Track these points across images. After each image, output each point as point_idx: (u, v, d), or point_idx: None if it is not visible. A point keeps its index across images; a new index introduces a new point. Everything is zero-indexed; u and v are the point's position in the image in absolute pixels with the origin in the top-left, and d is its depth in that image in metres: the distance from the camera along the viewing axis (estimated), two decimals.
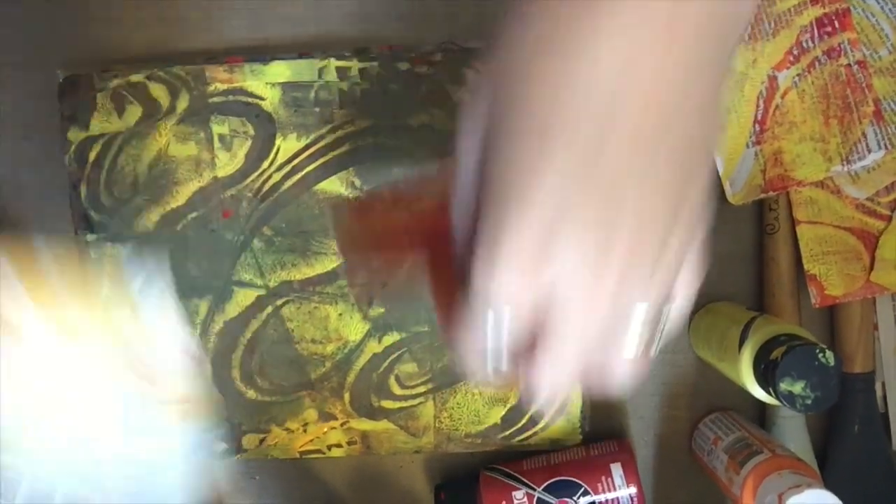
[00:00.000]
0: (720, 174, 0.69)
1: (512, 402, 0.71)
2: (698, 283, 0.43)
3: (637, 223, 0.38)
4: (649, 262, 0.39)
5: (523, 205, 0.39)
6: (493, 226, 0.40)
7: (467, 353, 0.44)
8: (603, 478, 0.67)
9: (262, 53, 0.69)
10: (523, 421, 0.71)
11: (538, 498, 0.67)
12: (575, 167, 0.38)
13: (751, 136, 0.69)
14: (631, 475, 0.67)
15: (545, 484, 0.68)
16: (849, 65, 0.67)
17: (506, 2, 0.40)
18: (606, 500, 0.67)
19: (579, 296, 0.39)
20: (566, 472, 0.68)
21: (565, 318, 0.40)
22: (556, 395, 0.43)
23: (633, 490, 0.67)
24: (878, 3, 0.67)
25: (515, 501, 0.68)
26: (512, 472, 0.69)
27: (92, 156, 0.71)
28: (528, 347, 0.42)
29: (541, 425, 0.71)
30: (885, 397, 0.71)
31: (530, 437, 0.71)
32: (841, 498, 0.56)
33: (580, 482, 0.67)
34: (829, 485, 0.67)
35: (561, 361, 0.41)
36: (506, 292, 0.40)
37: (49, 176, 0.72)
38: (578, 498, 0.67)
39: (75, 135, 0.70)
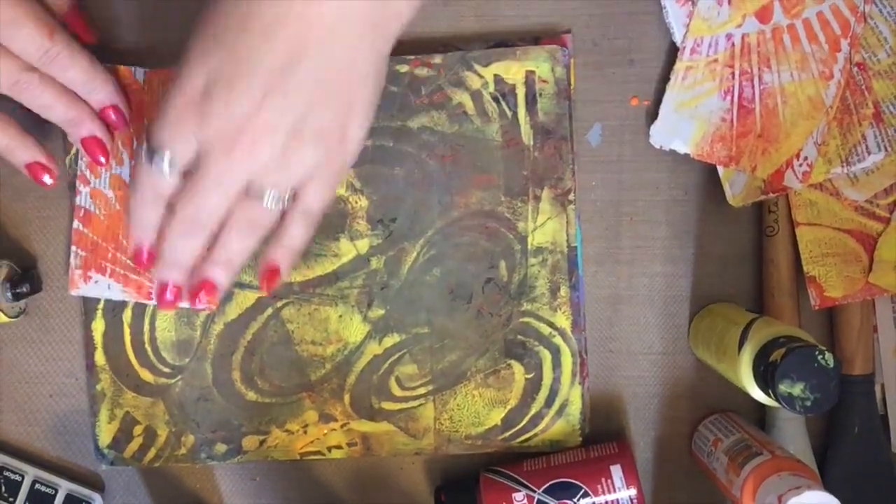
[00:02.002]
0: (720, 176, 0.70)
1: (512, 403, 0.71)
2: (328, 198, 0.59)
3: (275, 114, 0.54)
4: (279, 145, 0.55)
5: (189, 72, 0.55)
6: (170, 87, 0.56)
7: (136, 196, 0.59)
8: (603, 479, 0.67)
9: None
10: (523, 422, 0.71)
11: (538, 500, 0.67)
12: (231, 59, 0.54)
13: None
14: (631, 477, 0.67)
15: (545, 486, 0.68)
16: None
17: None
18: (606, 502, 0.67)
19: (221, 148, 0.55)
20: (566, 474, 0.68)
21: (206, 169, 0.56)
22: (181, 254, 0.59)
23: (632, 492, 0.67)
24: (877, 6, 0.67)
25: (515, 503, 0.68)
26: (512, 474, 0.69)
27: None
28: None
29: (541, 426, 0.71)
30: (884, 399, 0.71)
31: (530, 438, 0.71)
32: (840, 499, 0.56)
33: (580, 484, 0.67)
34: (829, 486, 0.67)
35: (201, 203, 0.57)
36: (166, 135, 0.56)
37: None
38: (578, 500, 0.67)
39: None
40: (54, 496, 0.72)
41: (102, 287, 0.70)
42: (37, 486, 0.72)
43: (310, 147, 0.56)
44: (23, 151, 0.65)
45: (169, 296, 0.61)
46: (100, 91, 0.65)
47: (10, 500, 0.72)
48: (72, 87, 0.64)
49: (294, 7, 0.52)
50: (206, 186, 0.56)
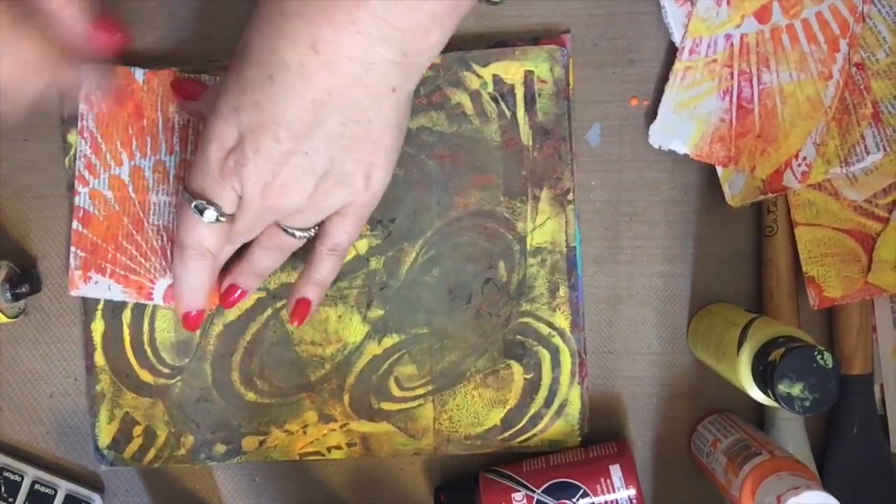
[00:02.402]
0: (719, 176, 0.70)
1: (511, 403, 0.71)
2: (354, 236, 0.63)
3: (301, 167, 0.56)
4: (306, 193, 0.57)
5: (221, 124, 0.56)
6: (205, 135, 0.57)
7: (186, 256, 0.62)
8: (602, 479, 0.67)
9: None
10: (523, 422, 0.71)
11: (537, 500, 0.67)
12: (258, 115, 0.55)
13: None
14: (630, 477, 0.67)
15: (544, 486, 0.68)
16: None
17: None
18: (605, 502, 0.67)
19: (254, 198, 0.57)
20: (565, 474, 0.68)
21: (241, 217, 0.59)
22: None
23: (632, 492, 0.67)
24: (876, 6, 0.67)
25: (514, 503, 0.68)
26: (511, 474, 0.69)
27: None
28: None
29: (540, 427, 0.71)
30: (883, 399, 0.71)
31: (529, 438, 0.71)
32: (839, 500, 0.56)
33: (579, 484, 0.67)
34: (828, 486, 0.67)
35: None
36: (198, 188, 0.58)
37: (49, 177, 0.73)
38: (578, 500, 0.67)
39: (74, 137, 0.71)
40: (54, 496, 0.72)
41: (102, 288, 0.70)
42: (36, 486, 0.72)
43: (334, 192, 0.58)
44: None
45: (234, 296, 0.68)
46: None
47: (10, 500, 0.72)
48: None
49: (320, 55, 0.53)
50: (238, 232, 0.61)
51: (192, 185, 0.59)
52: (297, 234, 0.62)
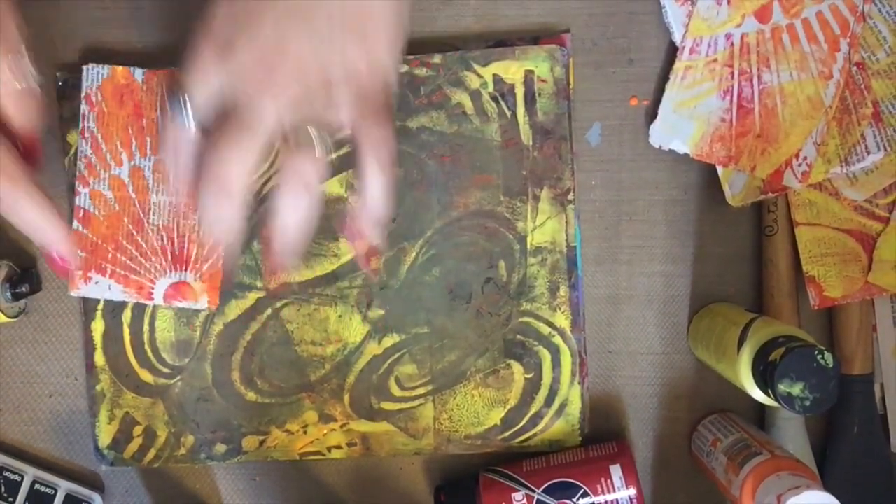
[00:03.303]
0: (720, 176, 0.70)
1: (512, 403, 0.71)
2: (390, 134, 0.55)
3: (300, 42, 0.51)
4: (310, 77, 0.52)
5: (212, 13, 0.52)
6: (196, 33, 0.52)
7: (168, 146, 0.54)
8: (602, 479, 0.67)
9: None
10: (523, 422, 0.71)
11: (537, 499, 0.67)
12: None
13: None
14: (630, 477, 0.67)
15: (544, 485, 0.68)
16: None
17: None
18: (606, 502, 0.67)
19: (249, 84, 0.51)
20: (565, 474, 0.68)
21: (240, 111, 0.52)
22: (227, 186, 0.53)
23: (632, 492, 0.67)
24: (876, 6, 0.67)
25: (515, 503, 0.68)
26: (511, 474, 0.69)
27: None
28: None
29: (540, 426, 0.71)
30: (883, 399, 0.71)
31: (530, 438, 0.71)
32: (840, 499, 0.56)
33: (579, 483, 0.67)
34: (829, 486, 0.68)
35: (237, 145, 0.52)
36: (195, 77, 0.52)
37: (49, 176, 0.72)
38: (578, 499, 0.67)
39: (74, 137, 0.71)
40: (54, 496, 0.72)
41: (103, 288, 0.70)
42: (36, 486, 0.72)
43: (342, 83, 0.52)
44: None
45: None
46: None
47: (10, 500, 0.72)
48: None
49: None
50: (233, 134, 0.52)
51: (181, 82, 0.53)
52: (313, 141, 0.53)
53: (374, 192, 0.55)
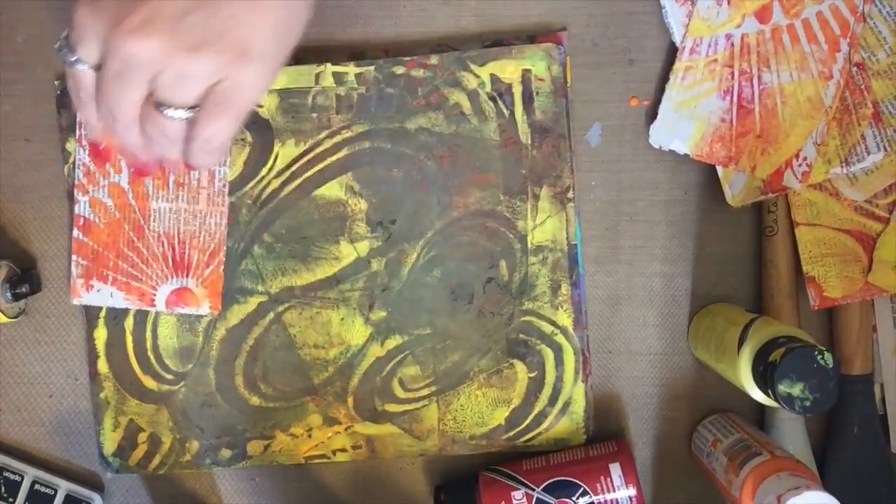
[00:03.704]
0: (720, 176, 0.70)
1: (516, 402, 0.71)
2: (230, 133, 0.56)
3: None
4: (168, 27, 0.52)
5: None
6: None
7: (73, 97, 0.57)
8: (602, 478, 0.68)
9: None
10: (527, 421, 0.72)
11: (537, 498, 0.68)
12: None
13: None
14: (630, 476, 0.67)
15: (544, 484, 0.68)
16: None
17: None
18: (605, 501, 0.67)
19: (113, 32, 0.52)
20: (565, 473, 0.68)
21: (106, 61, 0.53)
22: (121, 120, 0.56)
23: (632, 491, 0.67)
24: (877, 6, 0.67)
25: (514, 501, 0.68)
26: (511, 472, 0.69)
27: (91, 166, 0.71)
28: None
29: (545, 425, 0.71)
30: (883, 399, 0.71)
31: (534, 437, 0.72)
32: (840, 500, 0.56)
33: (579, 482, 0.68)
34: (829, 486, 0.68)
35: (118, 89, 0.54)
36: (72, 32, 0.54)
37: (49, 177, 0.72)
38: (577, 498, 0.67)
39: (73, 146, 0.70)
40: (54, 496, 0.73)
41: (105, 295, 0.70)
42: (36, 486, 0.72)
43: (202, 53, 0.53)
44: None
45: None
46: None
47: (10, 500, 0.72)
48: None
49: None
50: (108, 79, 0.54)
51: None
52: (170, 113, 0.54)
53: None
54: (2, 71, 0.72)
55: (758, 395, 0.61)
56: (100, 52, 0.54)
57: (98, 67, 0.55)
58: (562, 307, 0.71)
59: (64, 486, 0.73)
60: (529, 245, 0.70)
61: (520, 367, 0.71)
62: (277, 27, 0.55)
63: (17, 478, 0.72)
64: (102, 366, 0.72)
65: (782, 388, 0.57)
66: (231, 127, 0.56)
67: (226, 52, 0.53)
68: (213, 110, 0.55)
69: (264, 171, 0.70)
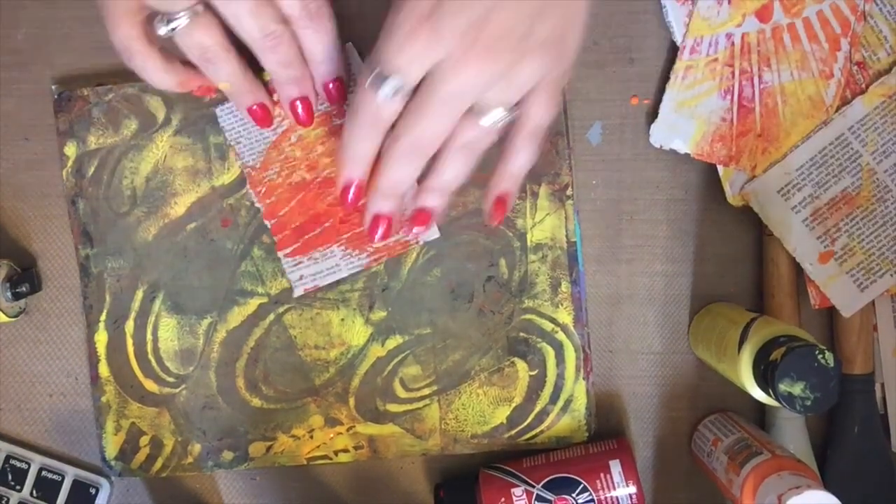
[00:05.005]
0: (720, 175, 0.70)
1: (517, 401, 0.71)
2: (554, 112, 0.58)
3: (505, 20, 0.52)
4: (509, 55, 0.53)
5: None
6: (393, 9, 0.54)
7: (356, 126, 0.58)
8: (602, 475, 0.68)
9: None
10: (529, 420, 0.72)
11: (537, 495, 0.68)
12: None
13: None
14: (630, 473, 0.68)
15: (544, 481, 0.68)
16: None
17: None
18: (606, 498, 0.67)
19: (452, 64, 0.53)
20: (565, 470, 0.68)
21: (433, 89, 0.54)
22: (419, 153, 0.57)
23: (632, 489, 0.67)
24: (877, 5, 0.67)
25: (514, 498, 0.68)
26: (511, 470, 0.69)
27: (90, 170, 0.71)
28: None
29: (546, 423, 0.72)
30: (884, 398, 0.71)
31: (536, 435, 0.72)
32: (841, 499, 0.56)
33: (579, 479, 0.68)
34: (829, 486, 0.68)
35: (433, 114, 0.55)
36: (397, 58, 0.54)
37: (49, 177, 0.72)
38: (577, 495, 0.67)
39: (72, 150, 0.70)
40: (61, 482, 0.73)
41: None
42: (43, 472, 0.73)
43: (536, 58, 0.54)
44: (248, 95, 0.65)
45: (380, 230, 0.62)
46: (332, 62, 0.64)
47: (17, 488, 0.72)
48: (309, 51, 0.63)
49: None
50: (435, 107, 0.55)
51: (377, 57, 0.55)
52: (492, 118, 0.56)
53: (516, 165, 0.60)
54: (2, 70, 0.72)
55: (758, 394, 0.61)
56: (417, 79, 0.55)
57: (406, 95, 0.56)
58: (562, 305, 0.71)
59: (71, 472, 0.73)
60: (529, 243, 0.70)
61: (521, 365, 0.71)
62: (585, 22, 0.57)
63: (24, 465, 0.73)
64: (103, 369, 0.72)
65: (783, 387, 0.57)
66: (557, 105, 0.59)
67: (553, 49, 0.55)
68: (540, 98, 0.57)
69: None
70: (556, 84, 0.57)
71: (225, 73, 0.63)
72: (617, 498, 0.67)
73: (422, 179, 0.60)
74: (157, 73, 0.62)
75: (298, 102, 0.65)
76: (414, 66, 0.54)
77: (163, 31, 0.59)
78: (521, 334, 0.71)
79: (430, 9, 0.52)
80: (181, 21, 0.58)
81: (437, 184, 0.59)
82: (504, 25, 0.52)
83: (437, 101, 0.55)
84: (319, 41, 0.62)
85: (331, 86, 0.65)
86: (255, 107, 0.66)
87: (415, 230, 0.62)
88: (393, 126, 0.57)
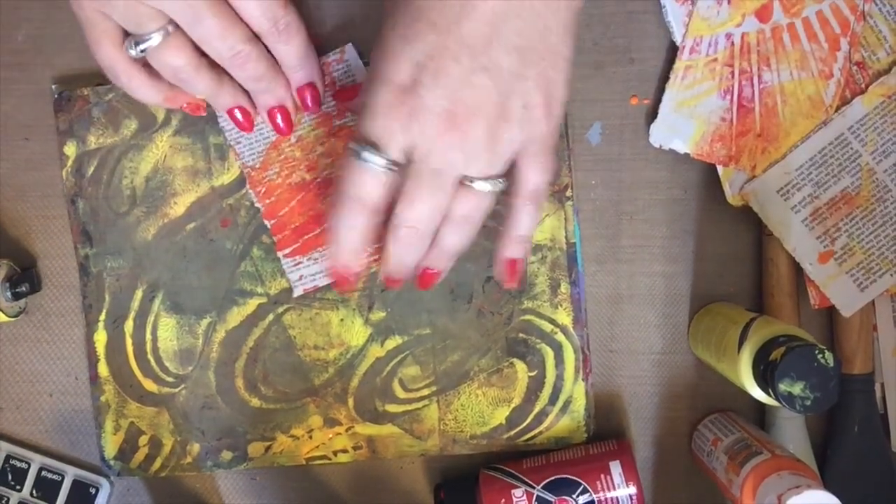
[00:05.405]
0: (720, 175, 0.70)
1: (516, 401, 0.71)
2: (549, 171, 0.58)
3: (483, 89, 0.53)
4: (489, 124, 0.53)
5: (393, 60, 0.53)
6: (372, 79, 0.55)
7: (345, 206, 0.57)
8: (602, 476, 0.68)
9: None
10: (528, 420, 0.72)
11: (537, 496, 0.68)
12: (436, 38, 0.52)
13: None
14: (630, 474, 0.67)
15: (544, 482, 0.68)
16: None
17: None
18: (606, 499, 0.67)
19: (435, 137, 0.53)
20: (565, 471, 0.68)
21: (421, 166, 0.54)
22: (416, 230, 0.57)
23: (632, 490, 0.67)
24: (877, 5, 0.67)
25: (515, 499, 0.68)
26: (511, 471, 0.69)
27: (90, 170, 0.71)
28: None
29: (545, 424, 0.71)
30: (884, 398, 0.71)
31: (535, 436, 0.72)
32: (840, 499, 0.56)
33: (579, 480, 0.68)
34: (829, 486, 0.68)
35: (425, 192, 0.56)
36: (380, 132, 0.54)
37: (49, 177, 0.72)
38: (578, 496, 0.67)
39: (72, 149, 0.70)
40: (61, 482, 0.73)
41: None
42: (43, 472, 0.73)
43: (514, 125, 0.55)
44: (227, 99, 0.66)
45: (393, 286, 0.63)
46: (305, 68, 0.65)
47: (17, 487, 0.72)
48: (282, 61, 0.64)
49: None
50: (423, 186, 0.55)
51: (358, 131, 0.56)
52: (485, 186, 0.56)
53: (521, 228, 0.60)
54: (2, 70, 0.72)
55: (758, 394, 0.61)
56: (406, 152, 0.55)
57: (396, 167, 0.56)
58: (561, 306, 0.71)
59: (71, 472, 0.73)
60: None
61: (520, 366, 0.71)
62: (572, 50, 0.57)
63: (24, 465, 0.73)
64: (103, 369, 0.72)
65: (783, 386, 0.57)
66: (549, 168, 0.58)
67: (536, 110, 0.55)
68: (531, 161, 0.57)
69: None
70: (543, 144, 0.57)
71: (200, 88, 0.63)
72: (617, 499, 0.67)
73: None
74: (141, 89, 0.63)
75: (277, 112, 0.66)
76: (393, 142, 0.55)
77: (133, 52, 0.60)
78: (521, 335, 0.71)
79: (410, 80, 0.53)
80: (151, 42, 0.59)
81: (440, 252, 0.60)
82: (481, 96, 0.53)
83: (425, 180, 0.55)
84: (291, 52, 0.63)
85: (306, 91, 0.66)
86: (235, 111, 0.66)
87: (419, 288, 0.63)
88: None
